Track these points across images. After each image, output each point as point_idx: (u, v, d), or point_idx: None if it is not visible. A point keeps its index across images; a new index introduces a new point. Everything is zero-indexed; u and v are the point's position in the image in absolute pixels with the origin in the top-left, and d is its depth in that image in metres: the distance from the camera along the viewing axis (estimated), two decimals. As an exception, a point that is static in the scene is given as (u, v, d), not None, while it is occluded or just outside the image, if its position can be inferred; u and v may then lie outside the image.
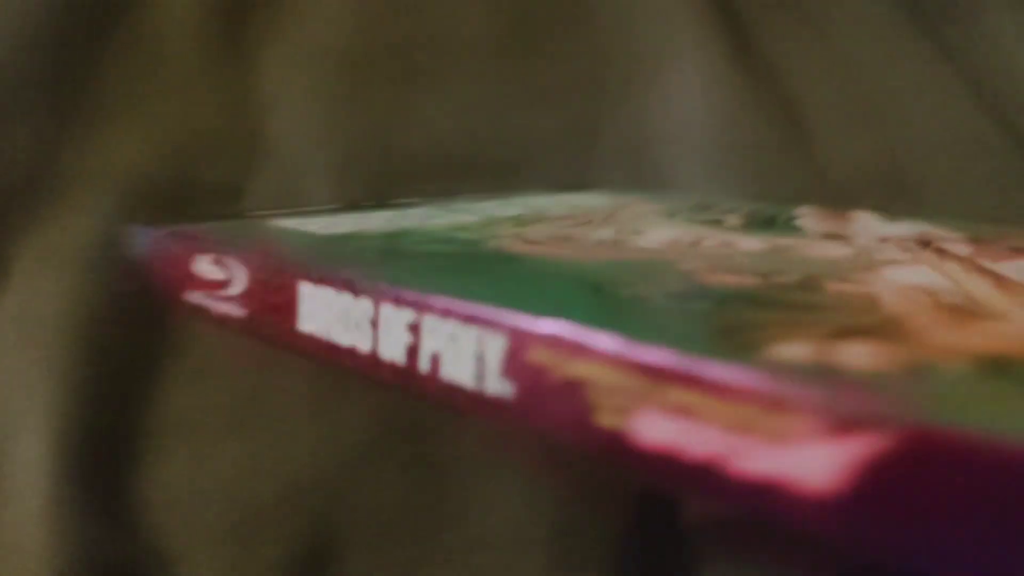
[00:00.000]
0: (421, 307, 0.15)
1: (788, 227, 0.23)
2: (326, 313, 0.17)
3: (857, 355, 0.11)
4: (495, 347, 0.14)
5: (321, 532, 0.24)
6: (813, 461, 0.10)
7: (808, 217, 0.24)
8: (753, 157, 0.27)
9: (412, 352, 0.15)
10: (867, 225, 0.23)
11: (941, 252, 0.20)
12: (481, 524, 0.24)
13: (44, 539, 0.23)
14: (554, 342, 0.13)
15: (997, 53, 0.28)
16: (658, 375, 0.11)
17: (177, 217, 0.26)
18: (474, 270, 0.16)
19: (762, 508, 0.11)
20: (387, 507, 0.24)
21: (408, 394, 0.15)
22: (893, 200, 0.27)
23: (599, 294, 0.14)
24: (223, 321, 0.20)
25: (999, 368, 0.11)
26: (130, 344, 0.25)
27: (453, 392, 0.14)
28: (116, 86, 0.28)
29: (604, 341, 0.12)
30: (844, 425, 0.10)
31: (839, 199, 0.27)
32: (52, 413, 0.24)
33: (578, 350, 0.12)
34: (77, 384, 0.24)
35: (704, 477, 0.11)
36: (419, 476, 0.25)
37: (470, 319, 0.14)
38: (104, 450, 0.24)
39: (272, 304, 0.18)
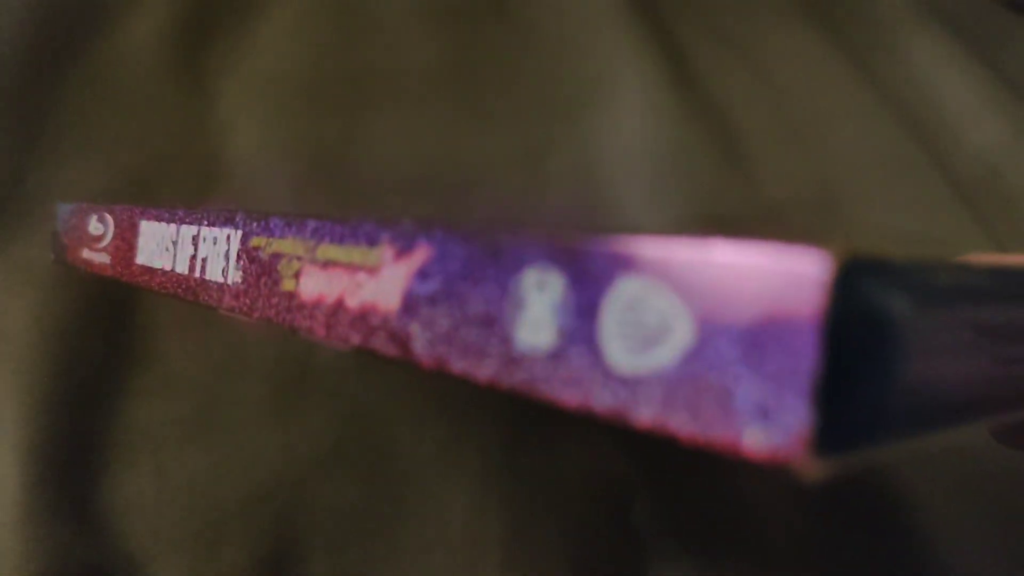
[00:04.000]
0: (201, 220, 0.17)
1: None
2: (153, 243, 0.19)
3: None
4: (235, 240, 0.16)
5: (282, 535, 0.24)
6: (388, 283, 0.12)
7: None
8: (693, 179, 0.29)
9: (192, 262, 0.17)
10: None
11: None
12: (437, 524, 0.25)
13: (17, 545, 0.23)
14: (265, 228, 0.15)
15: (919, 81, 0.30)
16: (315, 236, 0.13)
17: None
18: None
19: (369, 335, 0.12)
20: (346, 510, 0.25)
21: (199, 304, 0.17)
22: (824, 218, 0.28)
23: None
24: (100, 271, 0.22)
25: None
26: (96, 358, 0.26)
27: (212, 289, 0.16)
28: (80, 112, 0.29)
29: (292, 221, 0.14)
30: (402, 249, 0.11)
31: (774, 218, 0.28)
32: (22, 424, 0.25)
33: (273, 230, 0.14)
34: (46, 396, 0.25)
35: (334, 315, 0.13)
36: (375, 480, 0.25)
37: (226, 221, 0.16)
38: (73, 459, 0.25)
39: (123, 245, 0.21)
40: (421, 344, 0.11)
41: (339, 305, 0.13)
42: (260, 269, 0.15)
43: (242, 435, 0.25)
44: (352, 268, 0.12)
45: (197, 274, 0.17)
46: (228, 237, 0.16)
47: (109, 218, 0.22)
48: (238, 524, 0.24)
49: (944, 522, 0.25)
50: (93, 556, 0.24)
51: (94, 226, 0.23)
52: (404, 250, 0.11)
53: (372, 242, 0.12)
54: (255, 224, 0.15)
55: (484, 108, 0.31)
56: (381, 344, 0.12)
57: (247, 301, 0.15)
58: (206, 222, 0.17)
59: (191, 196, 0.29)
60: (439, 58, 0.31)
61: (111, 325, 0.27)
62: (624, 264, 0.08)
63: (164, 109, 0.30)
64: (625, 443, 0.26)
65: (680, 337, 0.08)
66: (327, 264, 0.13)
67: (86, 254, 0.24)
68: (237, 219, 0.16)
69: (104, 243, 0.22)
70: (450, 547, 0.25)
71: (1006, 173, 0.27)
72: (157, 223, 0.19)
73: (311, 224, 0.13)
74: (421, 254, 0.11)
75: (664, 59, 0.30)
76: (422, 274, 0.11)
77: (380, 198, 0.29)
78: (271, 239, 0.15)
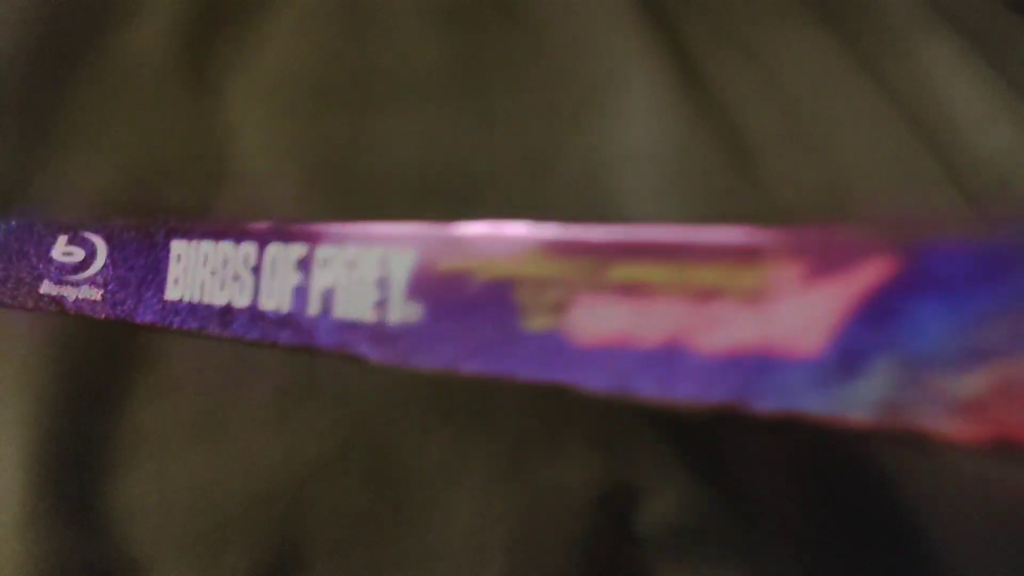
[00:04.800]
0: (318, 237, 0.12)
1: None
2: (200, 271, 0.14)
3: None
4: (401, 264, 0.11)
5: (285, 540, 0.24)
6: (798, 315, 0.08)
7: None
8: (702, 183, 0.28)
9: (301, 296, 0.12)
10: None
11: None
12: (441, 532, 0.25)
13: (19, 548, 0.23)
14: (477, 242, 0.11)
15: (929, 85, 0.30)
16: (601, 252, 0.09)
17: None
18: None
19: (742, 389, 0.08)
20: (349, 516, 0.24)
21: (293, 352, 0.13)
22: (832, 222, 0.28)
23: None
24: (78, 310, 0.16)
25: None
26: (99, 359, 0.25)
27: (346, 333, 0.12)
28: (86, 112, 0.29)
29: (535, 229, 0.10)
30: (833, 263, 0.08)
31: (783, 222, 0.28)
32: (25, 426, 0.24)
33: (506, 244, 0.10)
34: (49, 398, 0.24)
35: (664, 364, 0.09)
36: (380, 486, 0.25)
37: (373, 239, 0.12)
38: (76, 462, 0.24)
39: (132, 275, 0.15)
40: (877, 407, 0.08)
41: (671, 348, 0.09)
42: (465, 303, 0.10)
43: (246, 438, 0.25)
44: (696, 293, 0.09)
45: (312, 311, 0.12)
46: (384, 260, 0.11)
47: (95, 240, 0.16)
48: (242, 528, 0.24)
49: (945, 522, 0.25)
50: (96, 559, 0.23)
51: (62, 250, 0.17)
52: (823, 267, 0.08)
53: (745, 254, 0.08)
54: (447, 240, 0.11)
55: (491, 110, 0.30)
56: (774, 403, 0.08)
57: (443, 348, 0.11)
58: (328, 240, 0.12)
59: (198, 196, 0.28)
60: (446, 59, 0.31)
61: (115, 326, 0.25)
62: None
63: (170, 109, 0.29)
64: (637, 447, 0.26)
65: None
66: (630, 289, 0.09)
67: (50, 289, 0.17)
68: (407, 234, 0.11)
69: (89, 272, 0.16)
70: (454, 554, 0.24)
71: (1016, 179, 0.28)
72: (212, 242, 0.14)
73: (584, 231, 0.09)
74: (870, 271, 0.08)
75: (673, 62, 0.30)
76: (875, 301, 0.08)
77: (388, 200, 0.28)
78: (488, 259, 0.10)
